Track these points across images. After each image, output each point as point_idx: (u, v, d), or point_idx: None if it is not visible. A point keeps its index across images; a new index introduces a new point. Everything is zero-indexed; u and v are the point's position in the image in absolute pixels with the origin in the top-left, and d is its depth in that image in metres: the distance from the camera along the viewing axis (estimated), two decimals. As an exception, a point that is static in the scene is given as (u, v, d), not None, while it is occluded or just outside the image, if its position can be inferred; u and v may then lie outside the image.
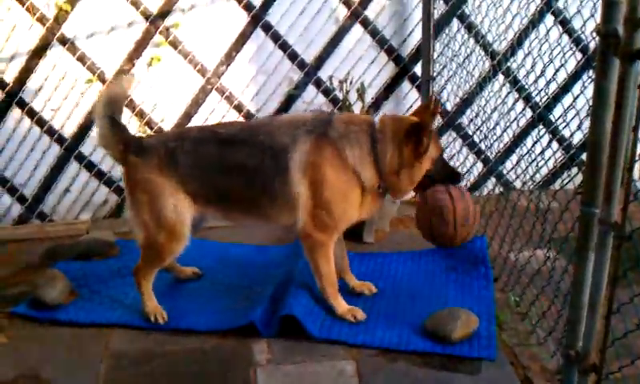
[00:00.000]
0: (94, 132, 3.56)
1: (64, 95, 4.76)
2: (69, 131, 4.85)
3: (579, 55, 4.51)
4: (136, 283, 3.57)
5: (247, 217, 3.56)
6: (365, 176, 3.32)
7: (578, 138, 4.01)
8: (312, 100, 4.93)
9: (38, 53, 4.66)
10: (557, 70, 3.49)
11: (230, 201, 3.48)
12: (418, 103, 4.91)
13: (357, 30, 4.86)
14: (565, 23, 4.46)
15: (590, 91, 2.40)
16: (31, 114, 4.78)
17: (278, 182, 3.31)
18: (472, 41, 4.66)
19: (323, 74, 4.91)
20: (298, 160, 3.29)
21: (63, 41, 4.66)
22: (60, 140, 4.86)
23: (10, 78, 4.70)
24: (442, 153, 3.51)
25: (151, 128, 4.88)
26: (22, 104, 4.75)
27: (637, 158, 2.24)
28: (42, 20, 4.60)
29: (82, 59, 4.70)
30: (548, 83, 3.66)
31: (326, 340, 3.32)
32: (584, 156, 2.47)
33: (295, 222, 3.38)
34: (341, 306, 3.50)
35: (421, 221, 3.93)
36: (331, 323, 3.43)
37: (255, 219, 3.56)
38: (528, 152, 3.98)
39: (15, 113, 4.77)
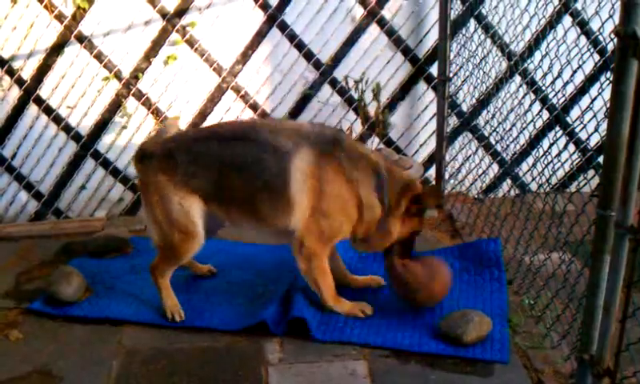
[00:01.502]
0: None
1: (81, 93, 4.79)
2: (85, 129, 4.88)
3: (597, 57, 4.47)
4: (153, 280, 3.59)
5: (246, 218, 3.52)
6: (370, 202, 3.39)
7: (594, 141, 3.97)
8: (327, 99, 4.92)
9: (56, 50, 4.71)
10: (574, 72, 3.45)
11: (229, 199, 3.47)
12: (434, 104, 4.90)
13: (373, 29, 4.85)
14: (583, 24, 4.42)
15: (607, 93, 2.37)
16: (48, 111, 4.82)
17: (276, 185, 3.32)
18: (489, 41, 4.63)
19: (339, 73, 4.90)
20: (300, 169, 3.29)
21: (80, 38, 4.69)
22: (76, 137, 4.89)
23: (27, 75, 4.74)
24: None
25: (167, 126, 4.90)
26: (39, 101, 4.79)
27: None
28: (59, 17, 4.64)
29: (98, 57, 4.73)
30: (565, 85, 3.62)
31: (338, 342, 3.31)
32: (601, 159, 2.44)
33: (290, 225, 3.38)
34: (344, 305, 3.52)
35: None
36: (343, 325, 3.43)
37: (254, 221, 3.51)
38: (544, 154, 3.95)
39: (32, 110, 4.81)
